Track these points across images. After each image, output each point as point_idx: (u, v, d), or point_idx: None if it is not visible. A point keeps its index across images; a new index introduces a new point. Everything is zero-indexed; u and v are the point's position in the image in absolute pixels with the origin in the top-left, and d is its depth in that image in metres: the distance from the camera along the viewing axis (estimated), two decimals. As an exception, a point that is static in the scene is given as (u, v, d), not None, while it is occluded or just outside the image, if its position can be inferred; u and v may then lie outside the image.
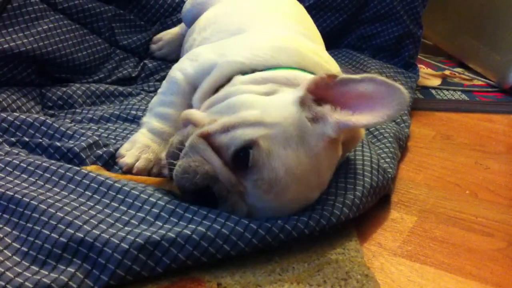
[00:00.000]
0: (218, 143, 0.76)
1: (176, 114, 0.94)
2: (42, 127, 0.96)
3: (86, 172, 0.82)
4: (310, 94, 0.78)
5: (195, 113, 0.83)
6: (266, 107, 0.77)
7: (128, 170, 0.89)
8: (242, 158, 0.73)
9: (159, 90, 0.99)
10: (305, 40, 0.96)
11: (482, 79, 1.76)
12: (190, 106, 0.93)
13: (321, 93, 0.78)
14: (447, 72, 1.82)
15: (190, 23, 1.25)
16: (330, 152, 0.78)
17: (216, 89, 0.88)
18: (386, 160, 1.03)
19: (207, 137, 0.76)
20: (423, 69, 1.80)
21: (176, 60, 1.06)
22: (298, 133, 0.75)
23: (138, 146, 0.92)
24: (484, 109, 1.52)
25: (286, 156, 0.73)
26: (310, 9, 1.59)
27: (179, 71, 0.96)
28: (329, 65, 0.93)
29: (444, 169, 1.15)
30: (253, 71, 0.87)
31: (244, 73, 0.87)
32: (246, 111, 0.77)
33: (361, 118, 0.74)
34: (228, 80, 0.88)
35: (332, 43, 1.66)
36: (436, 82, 1.72)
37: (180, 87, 0.95)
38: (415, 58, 1.62)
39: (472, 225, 0.95)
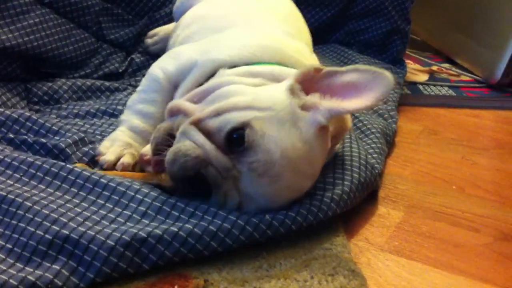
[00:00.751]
0: (209, 127, 0.75)
1: (157, 113, 0.93)
2: (27, 123, 0.95)
3: (71, 167, 0.81)
4: (298, 84, 0.78)
5: (186, 104, 0.82)
6: (257, 94, 0.78)
7: (109, 168, 0.88)
8: (236, 139, 0.73)
9: (138, 88, 0.97)
10: (287, 38, 0.96)
11: (470, 74, 1.76)
12: None
13: (308, 86, 0.79)
14: (434, 68, 1.82)
15: (180, 18, 1.24)
16: (321, 141, 0.78)
17: (198, 87, 0.88)
18: (374, 155, 1.03)
19: (197, 124, 0.76)
20: (410, 65, 1.80)
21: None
22: (290, 118, 0.75)
23: (119, 144, 0.91)
24: (471, 104, 1.53)
25: (280, 139, 0.73)
26: (298, 4, 1.57)
27: (160, 69, 0.95)
28: (309, 62, 0.94)
29: (431, 164, 1.15)
30: (234, 67, 0.87)
31: (227, 68, 0.87)
32: (237, 97, 0.77)
33: (351, 103, 0.75)
34: (210, 76, 0.88)
35: (320, 38, 1.66)
36: (424, 77, 1.72)
37: (161, 85, 0.94)
38: (403, 53, 1.62)
39: (459, 220, 0.95)
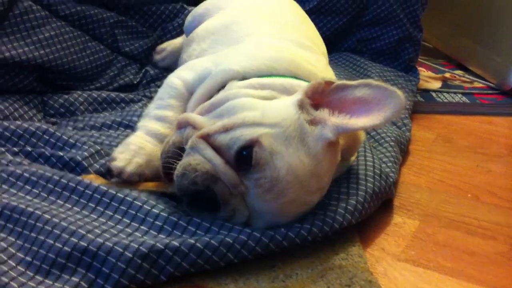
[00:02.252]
0: (218, 143, 0.76)
1: (173, 116, 0.92)
2: (44, 136, 0.96)
3: (89, 182, 0.82)
4: (308, 99, 0.79)
5: (195, 116, 0.83)
6: (265, 108, 0.78)
7: (119, 173, 0.86)
8: (245, 157, 0.74)
9: (155, 96, 0.97)
10: (299, 50, 0.97)
11: (483, 81, 1.76)
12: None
13: (318, 99, 0.79)
14: (447, 75, 1.82)
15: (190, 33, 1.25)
16: (329, 155, 0.79)
17: (210, 97, 0.89)
18: (388, 164, 1.03)
19: (206, 138, 0.77)
20: (423, 72, 1.80)
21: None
22: (298, 134, 0.76)
23: (131, 149, 0.89)
24: (485, 111, 1.53)
25: (288, 155, 0.74)
26: (310, 13, 1.59)
27: (177, 78, 0.96)
28: (323, 74, 0.94)
29: (446, 172, 1.15)
30: (246, 78, 0.88)
31: (238, 80, 0.88)
32: (246, 112, 0.78)
33: (358, 121, 0.75)
34: (222, 87, 0.88)
35: (332, 47, 1.66)
36: (437, 85, 1.72)
37: (179, 91, 0.94)
38: (415, 61, 1.62)
39: (474, 229, 0.95)
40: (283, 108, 0.78)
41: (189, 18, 1.31)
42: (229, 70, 0.89)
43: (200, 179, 0.74)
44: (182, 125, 0.83)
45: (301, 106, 0.78)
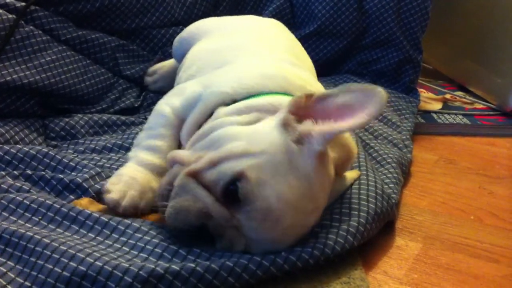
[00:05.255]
0: (207, 179, 0.75)
1: (165, 146, 0.92)
2: (45, 159, 0.96)
3: (89, 212, 0.81)
4: (292, 115, 0.77)
5: (180, 153, 0.82)
6: (250, 136, 0.77)
7: (115, 207, 0.84)
8: (233, 191, 0.73)
9: (145, 126, 0.96)
10: (288, 66, 0.96)
11: (483, 102, 1.76)
12: (179, 139, 0.92)
13: (302, 113, 0.77)
14: (448, 96, 1.82)
15: (180, 59, 1.24)
16: (321, 173, 0.77)
17: (201, 124, 0.88)
18: (390, 185, 1.03)
19: (195, 175, 0.76)
20: (424, 93, 1.81)
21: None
22: (286, 157, 0.74)
23: (125, 180, 0.87)
24: (486, 132, 1.52)
25: (276, 183, 0.73)
26: (310, 36, 1.61)
27: (166, 105, 0.95)
28: (314, 88, 0.93)
29: (448, 194, 1.15)
30: (237, 100, 0.87)
31: (227, 103, 0.87)
32: (231, 144, 0.76)
33: (344, 123, 0.73)
34: (212, 113, 0.87)
35: (333, 69, 1.67)
36: (437, 106, 1.72)
37: (168, 119, 0.93)
38: (415, 82, 1.63)
39: (478, 251, 0.94)
40: (268, 132, 0.77)
41: (175, 43, 1.31)
42: (220, 93, 0.88)
43: (194, 218, 0.74)
44: (172, 164, 0.82)
45: (285, 124, 0.76)
